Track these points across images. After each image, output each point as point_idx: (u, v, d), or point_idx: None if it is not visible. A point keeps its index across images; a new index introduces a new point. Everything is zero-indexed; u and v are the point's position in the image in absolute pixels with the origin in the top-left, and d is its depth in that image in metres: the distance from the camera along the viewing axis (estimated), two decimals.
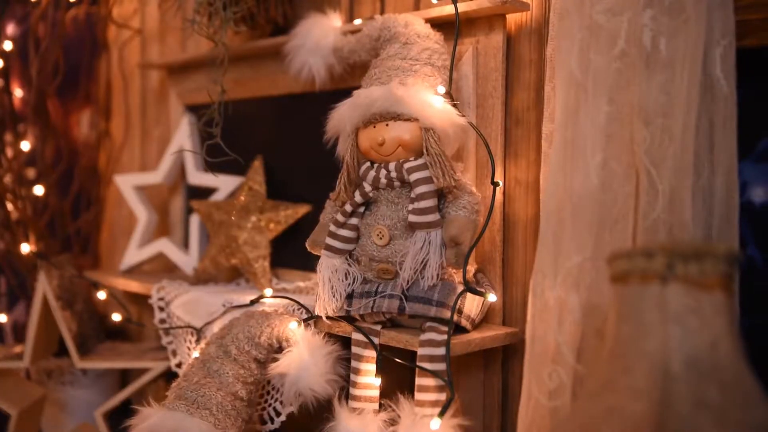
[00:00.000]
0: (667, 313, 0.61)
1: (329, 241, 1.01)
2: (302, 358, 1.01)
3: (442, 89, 0.98)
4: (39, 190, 1.64)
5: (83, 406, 1.60)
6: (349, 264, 1.00)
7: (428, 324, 0.94)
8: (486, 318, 1.06)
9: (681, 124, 0.81)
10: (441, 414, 0.88)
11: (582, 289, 0.83)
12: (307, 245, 1.05)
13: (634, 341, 0.62)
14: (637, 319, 0.63)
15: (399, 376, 1.13)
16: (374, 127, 0.98)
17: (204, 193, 1.45)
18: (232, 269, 1.36)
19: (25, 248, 1.52)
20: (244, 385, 1.06)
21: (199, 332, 1.22)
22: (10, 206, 1.61)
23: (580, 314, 0.82)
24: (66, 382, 1.59)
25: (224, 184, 1.42)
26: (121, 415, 1.44)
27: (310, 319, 1.06)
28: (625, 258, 0.66)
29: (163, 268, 1.56)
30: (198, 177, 1.46)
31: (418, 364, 0.92)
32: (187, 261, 1.45)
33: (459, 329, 0.96)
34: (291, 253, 1.33)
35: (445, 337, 0.92)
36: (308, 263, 1.32)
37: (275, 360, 1.05)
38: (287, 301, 1.13)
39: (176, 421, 1.01)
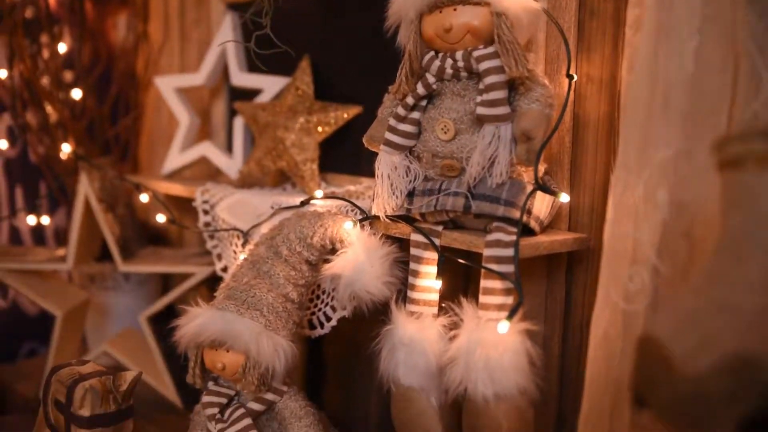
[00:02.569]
0: None
1: (389, 136, 0.94)
2: (358, 259, 0.96)
3: None
4: (77, 93, 1.59)
5: (126, 312, 1.59)
6: (409, 161, 0.94)
7: (495, 224, 0.88)
8: (551, 224, 1.00)
9: None
10: (509, 317, 0.83)
11: (670, 184, 0.76)
12: (364, 141, 0.99)
13: (749, 231, 0.56)
14: (753, 208, 0.56)
15: (460, 280, 1.08)
16: (441, 12, 0.90)
17: (248, 94, 1.39)
18: (278, 173, 1.30)
19: (66, 148, 1.48)
20: (295, 287, 1.02)
21: (245, 235, 1.17)
22: (48, 109, 1.57)
23: (667, 212, 0.76)
24: (108, 288, 1.58)
25: (269, 85, 1.35)
26: (164, 321, 1.42)
27: (366, 219, 1.00)
28: (739, 140, 0.59)
29: (205, 174, 1.51)
30: (242, 78, 1.39)
31: (484, 265, 0.87)
32: (231, 165, 1.40)
33: (526, 231, 0.90)
34: (340, 157, 1.27)
35: (513, 237, 0.86)
36: (358, 167, 1.26)
37: (327, 262, 1.01)
38: (339, 202, 1.07)
39: (226, 321, 0.97)
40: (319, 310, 1.11)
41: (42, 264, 1.39)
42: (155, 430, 1.34)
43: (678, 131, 0.77)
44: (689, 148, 0.77)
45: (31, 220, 1.62)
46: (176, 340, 1.02)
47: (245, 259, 1.05)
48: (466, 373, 0.86)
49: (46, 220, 1.62)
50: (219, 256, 1.26)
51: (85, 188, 1.34)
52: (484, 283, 0.88)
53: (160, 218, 1.29)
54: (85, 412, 0.91)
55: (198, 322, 0.98)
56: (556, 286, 1.03)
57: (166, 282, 1.66)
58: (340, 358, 1.38)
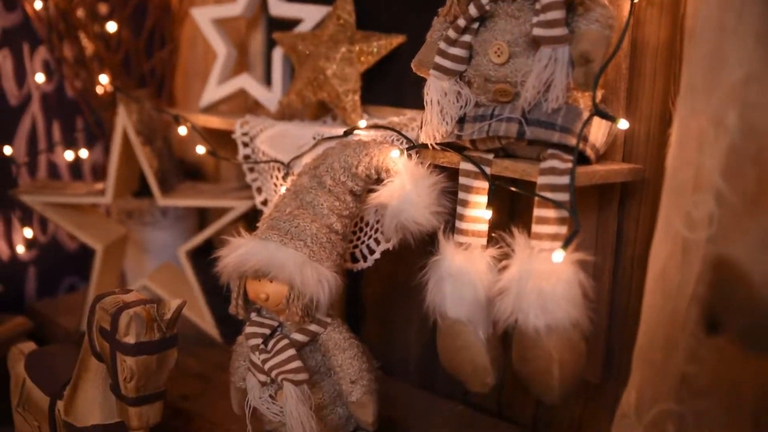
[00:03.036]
0: None
1: (438, 60, 0.90)
2: (404, 188, 0.93)
3: None
4: (112, 26, 1.56)
5: (163, 247, 1.59)
6: (460, 86, 0.91)
7: (550, 151, 0.85)
8: (604, 154, 0.96)
9: None
10: (564, 246, 0.80)
11: (741, 108, 0.72)
12: (412, 66, 0.95)
13: None
14: None
15: (510, 210, 1.05)
16: None
17: (287, 25, 1.35)
18: (319, 105, 1.27)
19: (103, 79, 1.46)
20: (339, 218, 1.00)
21: (287, 167, 1.15)
22: (84, 42, 1.54)
23: (737, 136, 0.72)
24: (146, 224, 1.57)
25: (309, 14, 1.31)
26: (202, 256, 1.42)
27: (413, 148, 0.97)
28: None
29: (243, 107, 1.49)
30: (281, 7, 1.35)
31: (538, 192, 0.84)
32: (270, 97, 1.37)
33: (581, 159, 0.87)
34: (383, 88, 1.24)
35: (568, 165, 0.83)
36: (401, 99, 1.23)
37: (372, 192, 0.98)
38: (384, 132, 1.04)
39: (269, 251, 0.95)
40: (362, 242, 1.09)
41: (81, 197, 1.38)
42: (195, 364, 1.35)
43: (751, 53, 0.73)
44: (762, 70, 0.72)
45: (69, 155, 1.61)
46: (218, 271, 1.01)
47: (287, 190, 1.03)
48: (517, 303, 0.83)
49: (84, 153, 1.61)
50: (259, 190, 1.24)
51: (124, 120, 1.32)
52: (538, 212, 0.85)
53: (200, 149, 1.27)
54: (130, 339, 0.91)
55: (241, 252, 0.97)
56: (608, 219, 1.00)
57: (204, 218, 1.65)
58: (379, 296, 1.37)
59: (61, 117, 1.65)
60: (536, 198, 0.84)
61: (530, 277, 0.82)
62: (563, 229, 0.84)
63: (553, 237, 0.84)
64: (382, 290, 1.36)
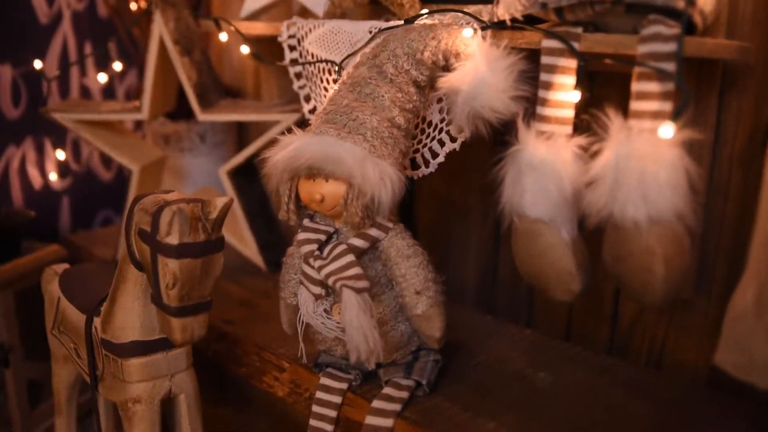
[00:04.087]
0: None
1: None
2: (479, 71, 0.82)
3: None
4: None
5: (202, 175, 1.51)
6: None
7: (652, 16, 0.73)
8: (706, 30, 0.84)
9: None
10: (675, 117, 0.69)
11: None
12: None
13: None
14: None
15: (600, 92, 0.94)
16: None
17: None
18: (372, 6, 1.16)
19: None
20: (402, 112, 0.89)
21: (339, 68, 1.05)
22: None
23: None
24: (184, 149, 1.49)
25: None
26: (244, 179, 1.33)
27: (488, 27, 0.86)
28: None
29: (286, 17, 1.37)
30: None
31: (639, 62, 0.72)
32: (318, 1, 1.26)
33: (687, 28, 0.75)
34: None
35: (675, 30, 0.71)
36: None
37: (435, 88, 0.88)
38: (451, 15, 0.93)
39: (325, 144, 0.85)
40: (424, 146, 0.99)
41: (116, 114, 1.30)
42: (238, 290, 1.27)
43: None
44: None
45: (102, 77, 1.53)
46: (266, 174, 0.91)
47: (343, 83, 0.92)
48: (612, 193, 0.72)
49: (118, 66, 1.51)
50: (307, 98, 1.14)
51: (160, 28, 1.22)
52: (638, 86, 0.73)
53: (244, 49, 1.16)
54: (173, 239, 0.82)
55: (293, 147, 0.87)
56: (706, 112, 0.88)
57: (243, 143, 1.56)
58: (433, 219, 1.27)
59: (93, 38, 1.56)
60: (635, 71, 0.73)
61: (629, 162, 0.71)
62: (667, 106, 0.72)
63: (655, 115, 0.72)
64: (437, 213, 1.26)
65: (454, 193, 1.23)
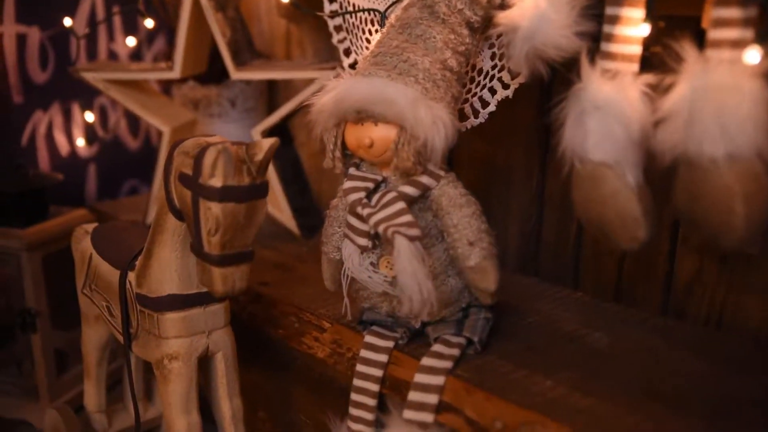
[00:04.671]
0: None
1: None
2: (539, 5, 0.78)
3: None
4: None
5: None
6: None
7: None
8: None
9: None
10: (762, 40, 0.64)
11: None
12: None
13: None
14: None
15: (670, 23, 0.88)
16: None
17: None
18: None
19: None
20: (454, 54, 0.85)
21: (383, 17, 1.00)
22: None
23: None
24: (213, 115, 1.45)
25: None
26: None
27: None
28: None
29: None
30: None
31: None
32: None
33: None
34: None
35: None
36: None
37: (486, 34, 0.84)
38: None
39: (375, 85, 0.81)
40: (473, 95, 0.95)
41: (148, 72, 1.26)
42: (273, 255, 1.23)
43: None
44: None
45: (131, 41, 1.49)
46: (312, 120, 0.87)
47: (391, 25, 0.88)
48: (687, 129, 0.68)
49: (150, 23, 1.46)
50: (347, 52, 1.10)
51: None
52: (716, 12, 0.68)
53: None
54: (217, 181, 0.77)
55: (341, 89, 0.83)
56: None
57: (275, 108, 1.52)
58: (473, 182, 1.22)
59: (122, 1, 1.52)
60: None
61: (706, 95, 0.67)
62: (747, 33, 0.67)
63: (735, 44, 0.68)
64: (478, 175, 1.21)
65: (496, 154, 1.19)
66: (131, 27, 1.56)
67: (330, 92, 0.84)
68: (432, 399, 0.82)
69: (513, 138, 1.15)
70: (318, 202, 1.37)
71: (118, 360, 1.26)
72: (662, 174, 0.71)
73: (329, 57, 1.31)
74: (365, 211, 0.83)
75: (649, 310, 1.01)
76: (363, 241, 0.85)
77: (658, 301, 1.02)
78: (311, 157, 1.44)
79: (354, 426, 0.89)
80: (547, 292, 1.06)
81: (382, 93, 0.80)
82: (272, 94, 1.54)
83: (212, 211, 0.79)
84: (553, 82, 0.99)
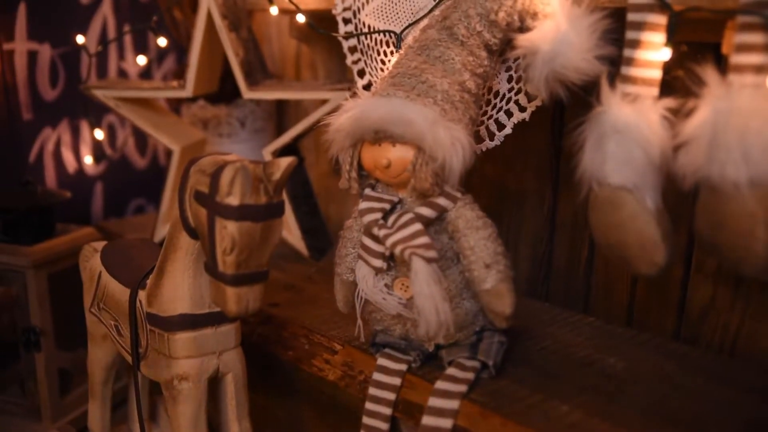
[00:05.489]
0: None
1: None
2: (560, 29, 0.78)
3: None
4: None
5: None
6: None
7: None
8: None
9: None
10: None
11: None
12: None
13: None
14: None
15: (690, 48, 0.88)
16: None
17: None
18: None
19: None
20: (473, 76, 0.85)
21: (398, 39, 1.01)
22: None
23: None
24: (223, 135, 1.45)
25: None
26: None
27: None
28: None
29: None
30: None
31: (742, 10, 0.68)
32: None
33: None
34: None
35: None
36: None
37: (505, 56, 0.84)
38: None
39: (393, 106, 0.81)
40: (489, 117, 0.95)
41: (159, 90, 1.26)
42: (283, 276, 1.22)
43: None
44: None
45: (141, 60, 1.49)
46: (328, 140, 0.87)
47: (409, 47, 0.88)
48: (710, 153, 0.68)
49: (162, 42, 1.47)
50: (361, 73, 1.10)
51: (208, 1, 1.19)
52: (740, 37, 0.69)
53: (300, 18, 1.11)
54: (234, 200, 0.77)
55: (359, 110, 0.82)
56: None
57: (284, 131, 1.52)
58: (485, 206, 1.22)
59: (133, 20, 1.53)
60: (737, 21, 0.68)
61: (729, 119, 0.67)
62: None
63: (758, 69, 0.68)
64: (489, 199, 1.21)
65: (508, 177, 1.18)
66: (141, 46, 1.56)
67: (348, 112, 0.84)
68: (446, 423, 0.81)
69: (525, 161, 1.15)
70: (327, 223, 1.37)
71: (121, 380, 1.25)
72: (676, 198, 0.71)
73: (341, 78, 1.31)
74: (382, 232, 0.82)
75: (661, 336, 1.00)
76: (378, 263, 0.84)
77: (671, 328, 1.01)
78: (320, 178, 1.43)
79: None
80: (559, 317, 1.05)
81: (401, 113, 0.80)
82: (281, 115, 1.54)
83: (228, 229, 0.78)
84: (565, 105, 0.99)
